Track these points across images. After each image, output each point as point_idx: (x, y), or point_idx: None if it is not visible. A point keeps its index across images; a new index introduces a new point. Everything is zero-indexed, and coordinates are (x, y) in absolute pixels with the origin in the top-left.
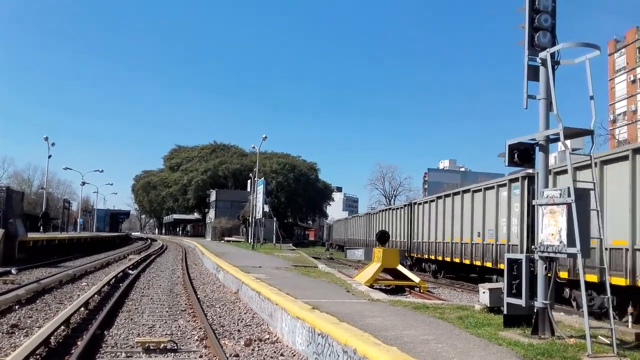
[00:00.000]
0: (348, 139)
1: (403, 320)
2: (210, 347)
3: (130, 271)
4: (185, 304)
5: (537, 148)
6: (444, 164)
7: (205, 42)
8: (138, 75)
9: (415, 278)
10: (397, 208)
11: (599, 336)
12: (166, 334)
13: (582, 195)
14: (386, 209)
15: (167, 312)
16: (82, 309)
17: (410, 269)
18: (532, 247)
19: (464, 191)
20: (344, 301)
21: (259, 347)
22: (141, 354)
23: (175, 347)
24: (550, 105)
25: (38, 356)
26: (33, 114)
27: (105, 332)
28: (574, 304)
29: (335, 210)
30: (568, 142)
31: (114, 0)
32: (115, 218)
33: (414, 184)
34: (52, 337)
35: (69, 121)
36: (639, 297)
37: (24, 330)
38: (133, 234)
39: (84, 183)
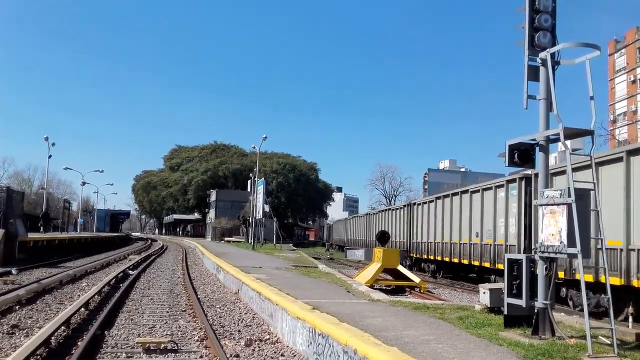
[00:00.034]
0: (348, 139)
1: (403, 321)
2: (210, 347)
3: (130, 271)
4: (186, 304)
5: (537, 148)
6: (444, 164)
7: (205, 42)
8: (138, 75)
9: (415, 278)
10: (397, 208)
11: (600, 336)
12: (166, 335)
13: (582, 196)
14: (386, 210)
15: (168, 312)
16: (83, 309)
17: (410, 269)
18: (534, 247)
19: (463, 192)
20: (344, 301)
21: (259, 347)
22: (141, 354)
23: (176, 348)
24: (551, 106)
25: (38, 356)
26: (33, 114)
27: (106, 333)
28: (570, 303)
29: (335, 211)
30: (568, 142)
31: (114, 0)
32: (116, 218)
33: (414, 184)
34: (52, 338)
35: (69, 121)
36: (634, 297)
37: (25, 331)
38: (133, 234)
39: (84, 183)
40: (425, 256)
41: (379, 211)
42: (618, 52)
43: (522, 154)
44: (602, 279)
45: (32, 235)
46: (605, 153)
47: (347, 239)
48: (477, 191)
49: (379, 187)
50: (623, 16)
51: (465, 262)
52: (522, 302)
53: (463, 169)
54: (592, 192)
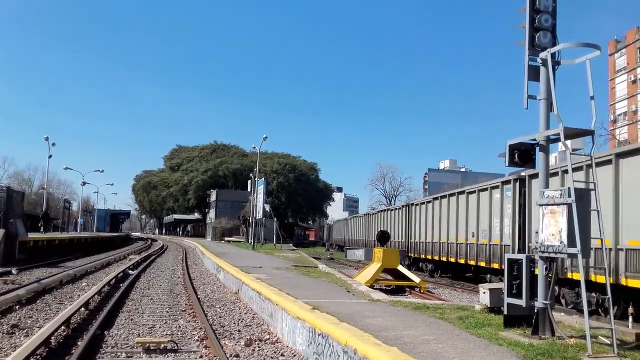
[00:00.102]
0: (348, 139)
1: (403, 321)
2: (210, 347)
3: (130, 271)
4: (186, 304)
5: (537, 148)
6: (444, 164)
7: (205, 42)
8: (138, 75)
9: (415, 278)
10: (395, 209)
11: (599, 336)
12: (166, 334)
13: (582, 196)
14: (385, 210)
15: (168, 312)
16: (83, 309)
17: (408, 268)
18: (534, 246)
19: (459, 192)
20: (344, 301)
21: (259, 347)
22: (141, 354)
23: (176, 347)
24: (551, 106)
25: (38, 356)
26: (33, 114)
27: (106, 332)
28: (562, 301)
29: (335, 211)
30: (568, 142)
31: (114, 0)
32: (116, 218)
33: (414, 184)
34: (52, 337)
35: (69, 121)
36: (622, 295)
37: (25, 331)
38: (133, 234)
39: (84, 183)
40: (423, 256)
41: (378, 211)
42: (618, 52)
43: (523, 154)
44: (593, 277)
45: (32, 235)
46: (595, 155)
47: (347, 239)
48: (474, 192)
49: (379, 187)
50: (623, 16)
51: (462, 261)
52: (522, 302)
53: (463, 169)
54: (592, 193)
